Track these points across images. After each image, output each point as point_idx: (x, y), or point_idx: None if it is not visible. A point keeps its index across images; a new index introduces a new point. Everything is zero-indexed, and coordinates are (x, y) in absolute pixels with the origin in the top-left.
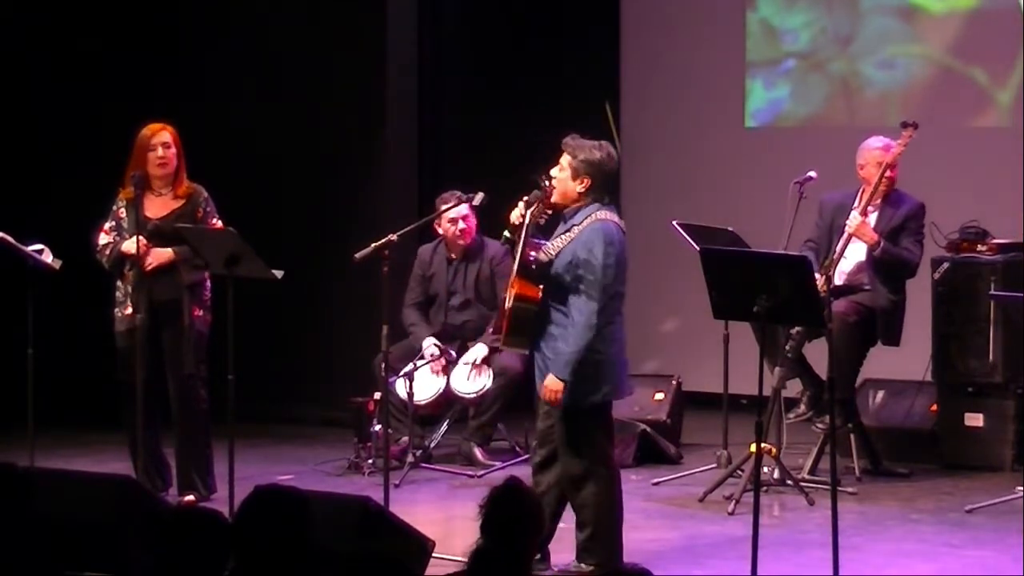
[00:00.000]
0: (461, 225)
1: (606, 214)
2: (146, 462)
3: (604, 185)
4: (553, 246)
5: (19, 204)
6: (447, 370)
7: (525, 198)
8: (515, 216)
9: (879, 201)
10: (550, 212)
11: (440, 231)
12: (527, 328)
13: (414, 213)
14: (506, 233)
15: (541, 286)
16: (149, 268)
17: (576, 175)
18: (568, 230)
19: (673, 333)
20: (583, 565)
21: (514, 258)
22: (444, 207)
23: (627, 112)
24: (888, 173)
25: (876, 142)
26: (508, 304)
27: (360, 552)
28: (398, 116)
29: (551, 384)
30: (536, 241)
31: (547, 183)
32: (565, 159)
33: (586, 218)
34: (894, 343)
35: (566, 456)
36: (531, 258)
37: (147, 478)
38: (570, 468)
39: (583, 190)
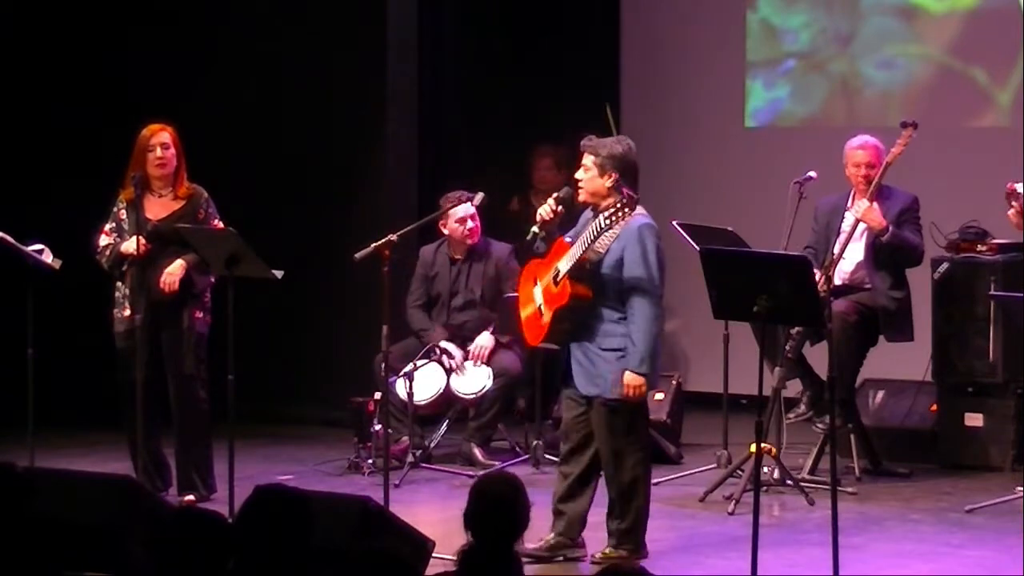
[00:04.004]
0: (470, 224)
1: (642, 210)
2: (146, 462)
3: (629, 177)
4: (601, 244)
5: (19, 204)
6: (456, 371)
7: (556, 195)
8: (546, 212)
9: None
10: (562, 210)
11: (446, 231)
12: (573, 323)
13: (414, 213)
14: (534, 229)
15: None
16: (169, 289)
17: (603, 171)
18: (609, 227)
19: (673, 333)
20: (622, 551)
21: (546, 254)
22: (449, 206)
23: (627, 112)
24: (873, 171)
25: (853, 141)
26: (563, 303)
27: (363, 550)
28: (398, 116)
29: (632, 380)
30: (565, 239)
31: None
32: (588, 159)
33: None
34: (906, 339)
35: (612, 445)
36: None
37: (147, 478)
38: (615, 458)
39: (612, 185)
